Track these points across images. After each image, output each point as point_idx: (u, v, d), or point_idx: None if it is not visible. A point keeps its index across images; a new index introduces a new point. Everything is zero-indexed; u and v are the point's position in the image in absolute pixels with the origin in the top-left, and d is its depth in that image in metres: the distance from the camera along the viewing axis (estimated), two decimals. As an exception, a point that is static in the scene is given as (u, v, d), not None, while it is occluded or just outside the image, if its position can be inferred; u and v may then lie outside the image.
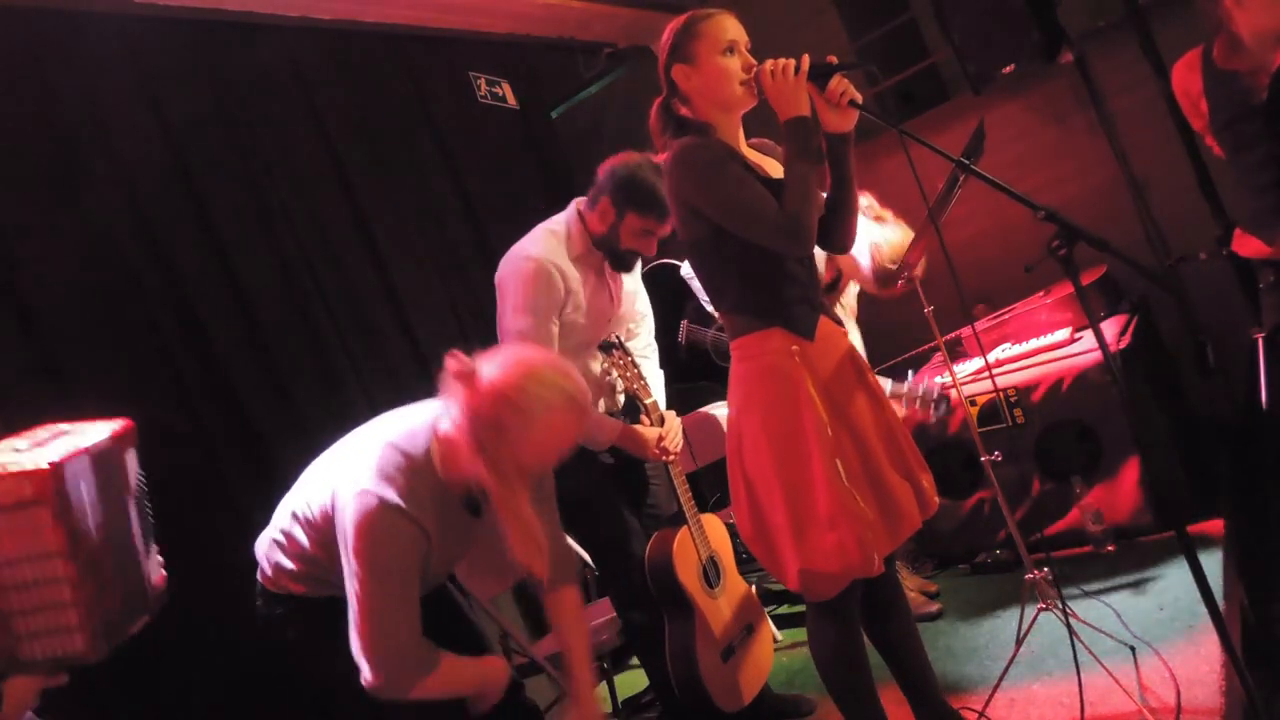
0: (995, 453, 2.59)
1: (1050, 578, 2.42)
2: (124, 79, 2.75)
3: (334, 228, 3.23)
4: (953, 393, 2.76)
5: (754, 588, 2.74)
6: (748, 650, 2.60)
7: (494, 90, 4.13)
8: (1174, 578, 2.64)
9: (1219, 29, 2.39)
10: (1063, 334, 3.26)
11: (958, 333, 3.44)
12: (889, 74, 4.28)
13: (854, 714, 2.04)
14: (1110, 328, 3.19)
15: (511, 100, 4.20)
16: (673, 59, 1.95)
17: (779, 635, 3.27)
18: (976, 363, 3.36)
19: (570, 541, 3.03)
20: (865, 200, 2.97)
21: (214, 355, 2.71)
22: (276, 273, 2.98)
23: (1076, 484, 3.05)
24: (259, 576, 1.95)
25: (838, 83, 1.85)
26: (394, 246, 3.38)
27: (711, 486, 3.98)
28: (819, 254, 3.10)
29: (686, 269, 3.07)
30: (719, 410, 3.51)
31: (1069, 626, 2.23)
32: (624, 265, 2.57)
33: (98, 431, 1.43)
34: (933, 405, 2.72)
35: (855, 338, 2.94)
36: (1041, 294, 3.52)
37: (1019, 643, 2.41)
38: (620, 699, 3.10)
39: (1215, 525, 2.82)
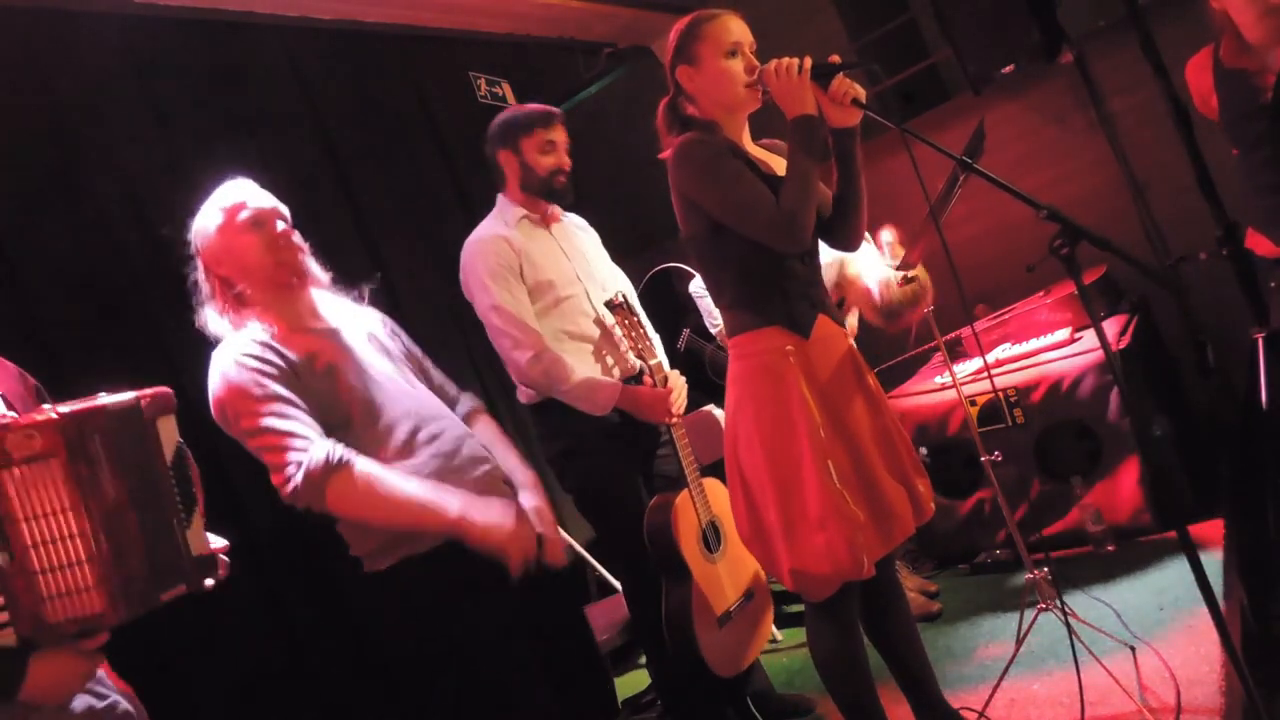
0: (995, 453, 2.59)
1: (1050, 578, 2.42)
2: (124, 79, 2.75)
3: (334, 227, 3.24)
4: (953, 392, 2.76)
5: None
6: (747, 617, 2.58)
7: (494, 90, 4.13)
8: (1174, 578, 2.64)
9: (1225, 27, 2.39)
10: (1063, 334, 3.26)
11: (958, 333, 3.44)
12: (889, 74, 4.28)
13: (854, 715, 2.04)
14: (1110, 328, 3.19)
15: (511, 100, 4.20)
16: (677, 60, 1.96)
17: (779, 635, 3.27)
18: (976, 363, 3.36)
19: (563, 534, 3.05)
20: (889, 235, 2.97)
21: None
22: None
23: (1076, 484, 3.05)
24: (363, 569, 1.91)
25: (840, 82, 1.85)
26: (394, 246, 3.38)
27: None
28: (827, 267, 3.12)
29: (696, 285, 3.07)
30: (720, 410, 3.51)
31: (1069, 626, 2.23)
32: (560, 195, 2.63)
33: (125, 395, 1.43)
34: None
35: None
36: (1041, 294, 3.52)
37: (1019, 643, 2.41)
38: (620, 699, 3.10)
39: (1215, 525, 2.82)
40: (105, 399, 1.38)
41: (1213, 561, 2.61)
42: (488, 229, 2.60)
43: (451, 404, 2.07)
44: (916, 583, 3.19)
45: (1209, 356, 3.53)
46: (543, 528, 1.99)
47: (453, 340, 3.48)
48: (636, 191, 4.71)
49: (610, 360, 2.59)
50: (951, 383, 2.68)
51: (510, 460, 2.05)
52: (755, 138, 2.08)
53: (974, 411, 3.18)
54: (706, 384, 3.45)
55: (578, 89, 4.92)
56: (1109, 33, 3.65)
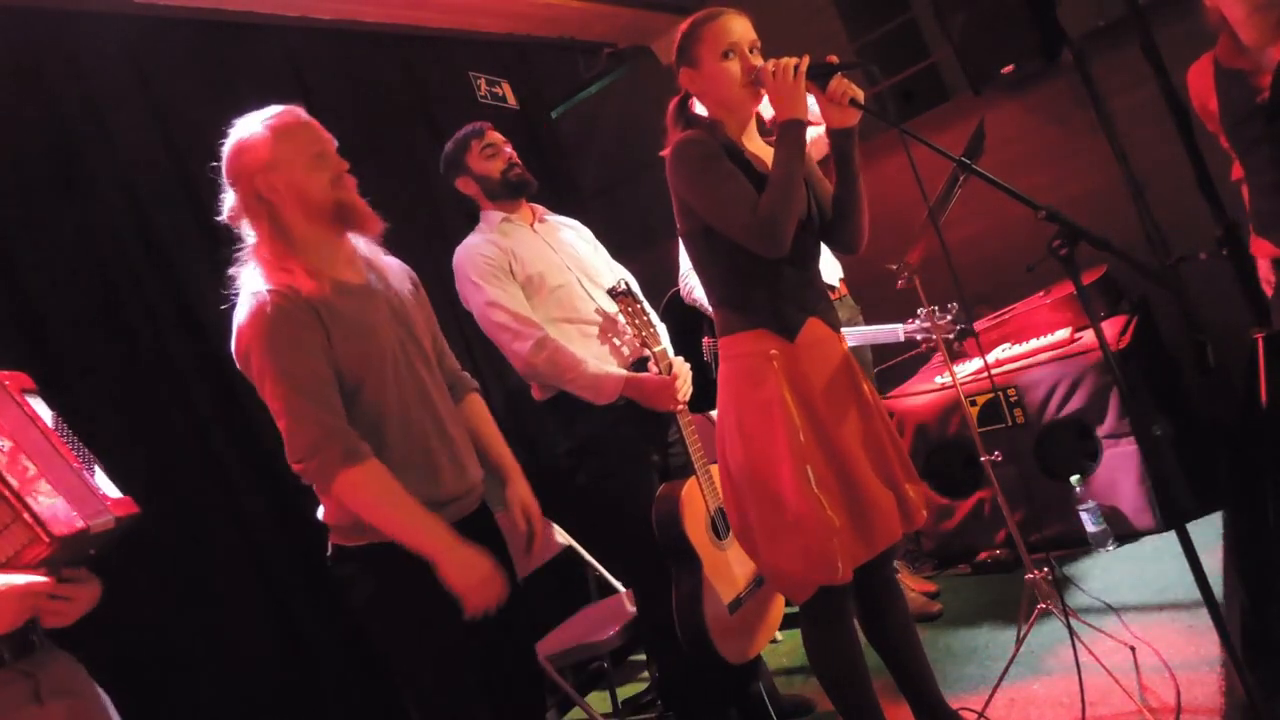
0: (995, 453, 2.59)
1: (1050, 578, 2.42)
2: (124, 79, 2.75)
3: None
4: (953, 392, 2.76)
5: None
6: (757, 603, 2.57)
7: (494, 90, 4.13)
8: (1174, 578, 2.64)
9: (1220, 28, 2.39)
10: (1063, 334, 3.26)
11: (958, 333, 3.44)
12: (889, 74, 4.28)
13: (852, 718, 2.04)
14: (1110, 328, 3.19)
15: (511, 100, 4.20)
16: (679, 62, 1.98)
17: (779, 635, 3.27)
18: (976, 363, 3.36)
19: (558, 531, 3.04)
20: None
21: (214, 354, 2.71)
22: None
23: (1076, 484, 3.06)
24: (329, 539, 1.87)
25: (838, 83, 1.85)
26: (394, 246, 3.37)
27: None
28: (830, 259, 3.13)
29: (687, 290, 3.07)
30: None
31: (1069, 626, 2.23)
32: (523, 186, 2.70)
33: None
34: (951, 330, 2.72)
35: None
36: (1041, 294, 3.52)
37: (1019, 643, 2.41)
38: (620, 699, 3.10)
39: (1215, 525, 2.82)
40: None
41: (1213, 561, 2.60)
42: (472, 237, 2.68)
43: (452, 380, 2.05)
44: (916, 583, 3.18)
45: (1209, 356, 3.54)
46: (531, 521, 2.02)
47: (453, 341, 3.47)
48: (636, 191, 4.72)
49: (617, 342, 2.62)
50: (951, 383, 2.67)
51: (496, 447, 2.06)
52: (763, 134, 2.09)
53: (974, 411, 3.18)
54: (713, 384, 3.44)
55: (578, 89, 4.93)
56: (1109, 33, 3.65)
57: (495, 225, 2.67)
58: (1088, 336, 3.18)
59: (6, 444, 1.45)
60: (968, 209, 3.74)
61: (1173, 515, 2.96)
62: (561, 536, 3.06)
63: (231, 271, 1.80)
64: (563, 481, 2.64)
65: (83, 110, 2.64)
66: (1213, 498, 2.96)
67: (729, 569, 2.51)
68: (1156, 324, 3.58)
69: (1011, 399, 3.17)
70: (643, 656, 3.45)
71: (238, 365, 1.75)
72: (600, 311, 2.61)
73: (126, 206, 2.67)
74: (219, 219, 1.84)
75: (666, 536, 2.45)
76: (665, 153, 1.95)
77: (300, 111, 1.86)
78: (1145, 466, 2.93)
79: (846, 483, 1.92)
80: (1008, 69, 3.53)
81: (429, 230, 3.55)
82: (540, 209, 2.79)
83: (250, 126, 1.81)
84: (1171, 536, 1.94)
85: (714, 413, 3.52)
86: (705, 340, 3.10)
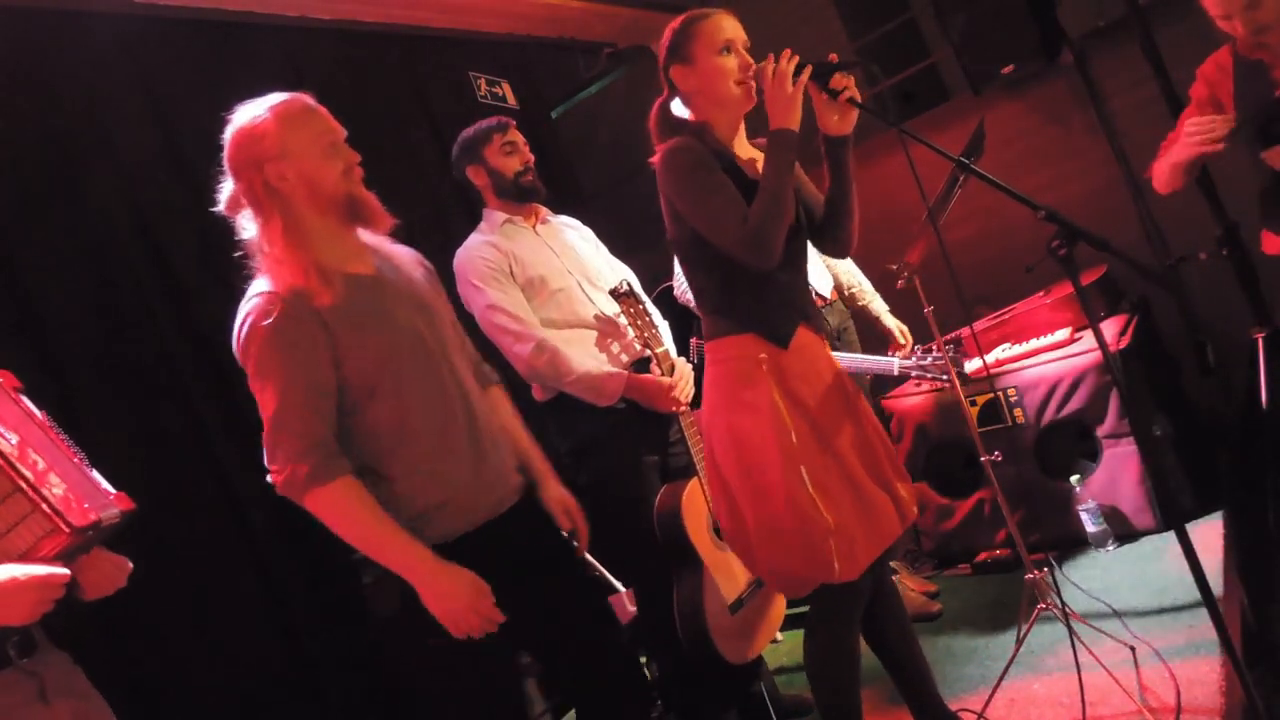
0: (995, 453, 2.59)
1: (1050, 578, 2.42)
2: (124, 79, 2.75)
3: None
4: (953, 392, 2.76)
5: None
6: (758, 603, 2.57)
7: (494, 90, 4.12)
8: (1174, 578, 2.64)
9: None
10: (1063, 334, 3.26)
11: (958, 333, 3.44)
12: (889, 74, 4.28)
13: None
14: (1110, 328, 3.19)
15: (511, 100, 4.20)
16: (671, 59, 1.96)
17: (780, 636, 3.26)
18: (976, 363, 3.36)
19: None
20: None
21: (214, 353, 2.71)
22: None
23: (1076, 484, 3.05)
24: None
25: (839, 79, 1.84)
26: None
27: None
28: (820, 269, 3.13)
29: (680, 290, 3.07)
30: None
31: (1069, 626, 2.23)
32: (531, 191, 2.69)
33: None
34: (946, 371, 2.73)
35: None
36: (1041, 294, 3.52)
37: (1019, 643, 2.41)
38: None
39: (1215, 525, 2.82)
40: None
41: (1213, 561, 2.60)
42: (474, 238, 2.68)
43: (474, 369, 1.98)
44: (917, 583, 3.18)
45: (1209, 356, 3.54)
46: (575, 519, 1.97)
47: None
48: (636, 191, 4.72)
49: (616, 348, 2.61)
50: (952, 382, 2.68)
51: (523, 444, 1.99)
52: (750, 137, 2.08)
53: (974, 411, 3.18)
54: None
55: (578, 89, 4.92)
56: (1109, 33, 3.65)
57: (497, 226, 2.67)
58: (1088, 336, 3.18)
59: (14, 437, 1.46)
60: (968, 209, 3.74)
61: (1173, 515, 2.96)
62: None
63: (240, 259, 1.73)
64: (564, 482, 2.64)
65: (83, 110, 2.63)
66: (1213, 498, 2.96)
67: (730, 569, 2.51)
68: (1156, 324, 3.58)
69: (1011, 399, 3.17)
70: (643, 657, 3.45)
71: (238, 361, 1.71)
72: (600, 315, 2.61)
73: (126, 206, 2.67)
74: (216, 210, 1.77)
75: (668, 537, 2.45)
76: (655, 160, 1.94)
77: (309, 99, 1.79)
78: (1145, 466, 2.93)
79: (844, 483, 1.91)
80: (1008, 69, 3.53)
81: (429, 230, 3.55)
82: (543, 210, 2.79)
83: (256, 113, 1.73)
84: (1171, 536, 1.94)
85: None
86: (694, 340, 3.10)
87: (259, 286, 1.67)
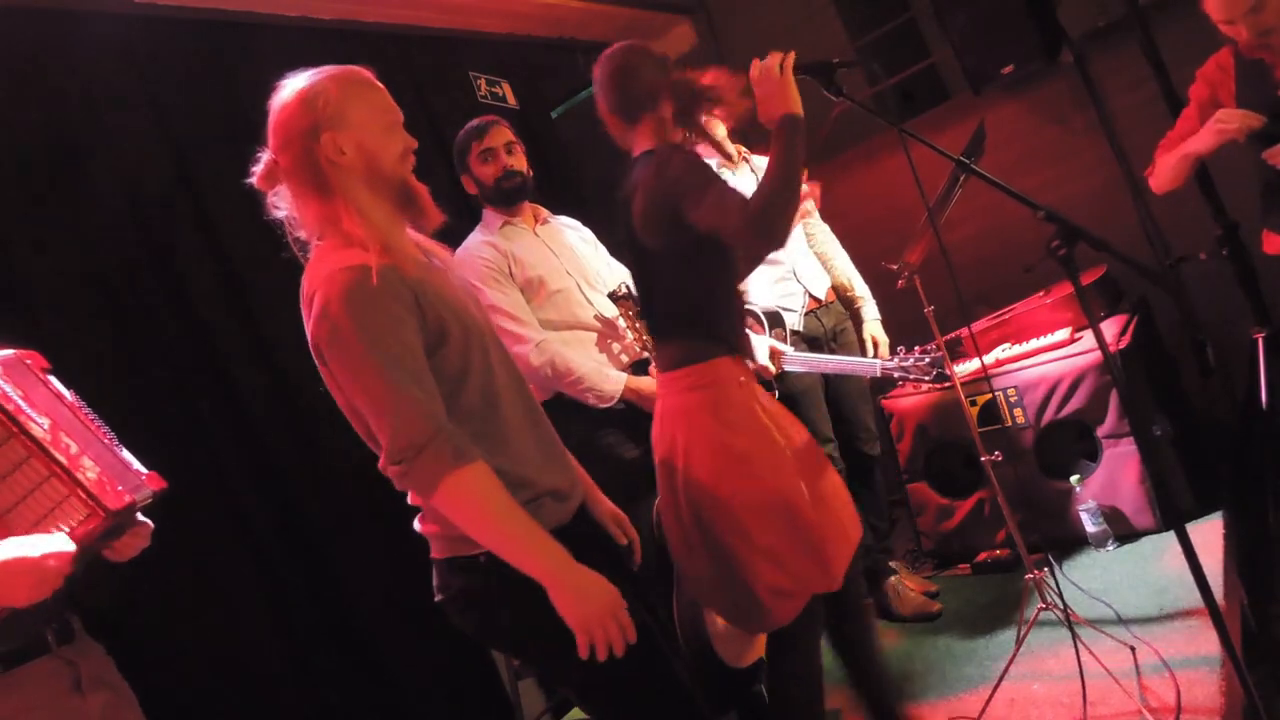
0: (995, 453, 2.59)
1: (1050, 578, 2.42)
2: (124, 79, 2.75)
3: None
4: (953, 392, 2.75)
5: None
6: None
7: (494, 90, 4.12)
8: (1174, 578, 2.63)
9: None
10: (1063, 334, 3.26)
11: (958, 333, 3.44)
12: (889, 74, 4.28)
13: None
14: (1110, 328, 3.19)
15: (511, 100, 4.20)
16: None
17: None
18: (976, 363, 3.36)
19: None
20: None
21: (214, 352, 2.71)
22: (276, 271, 2.97)
23: (1076, 484, 3.05)
24: (431, 554, 1.60)
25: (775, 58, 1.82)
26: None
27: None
28: (816, 269, 3.14)
29: None
30: None
31: (1069, 626, 2.23)
32: (513, 195, 2.71)
33: (5, 351, 1.55)
34: (928, 373, 2.72)
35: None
36: (1041, 294, 3.52)
37: (1019, 643, 2.41)
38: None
39: (1215, 525, 2.82)
40: None
41: (1213, 561, 2.60)
42: (473, 238, 2.69)
43: None
44: (917, 583, 3.18)
45: (1209, 356, 3.54)
46: (628, 532, 1.86)
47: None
48: (636, 191, 4.72)
49: (616, 349, 2.62)
50: (952, 383, 2.68)
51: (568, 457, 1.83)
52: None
53: (974, 411, 3.18)
54: None
55: (578, 89, 4.92)
56: (1109, 33, 3.65)
57: (495, 228, 2.69)
58: (1088, 336, 3.18)
59: (45, 421, 1.45)
60: (968, 209, 3.74)
61: (1173, 515, 2.96)
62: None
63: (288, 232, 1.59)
64: None
65: (83, 110, 2.63)
66: (1213, 498, 2.96)
67: None
68: (1156, 324, 3.58)
69: (1011, 399, 3.17)
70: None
71: (315, 354, 1.51)
72: (600, 317, 2.61)
73: (126, 206, 2.67)
74: (249, 180, 1.58)
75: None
76: (643, 174, 1.90)
77: (370, 73, 1.62)
78: (1145, 466, 2.93)
79: (819, 495, 1.93)
80: (1008, 69, 3.53)
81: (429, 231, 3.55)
82: (543, 211, 2.80)
83: (313, 78, 1.54)
84: (1171, 536, 1.94)
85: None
86: None
87: (341, 260, 1.46)
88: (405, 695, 2.77)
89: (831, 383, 3.10)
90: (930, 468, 3.43)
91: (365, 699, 2.73)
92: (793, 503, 1.85)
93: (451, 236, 1.83)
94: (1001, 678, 2.37)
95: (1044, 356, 3.18)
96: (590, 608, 1.45)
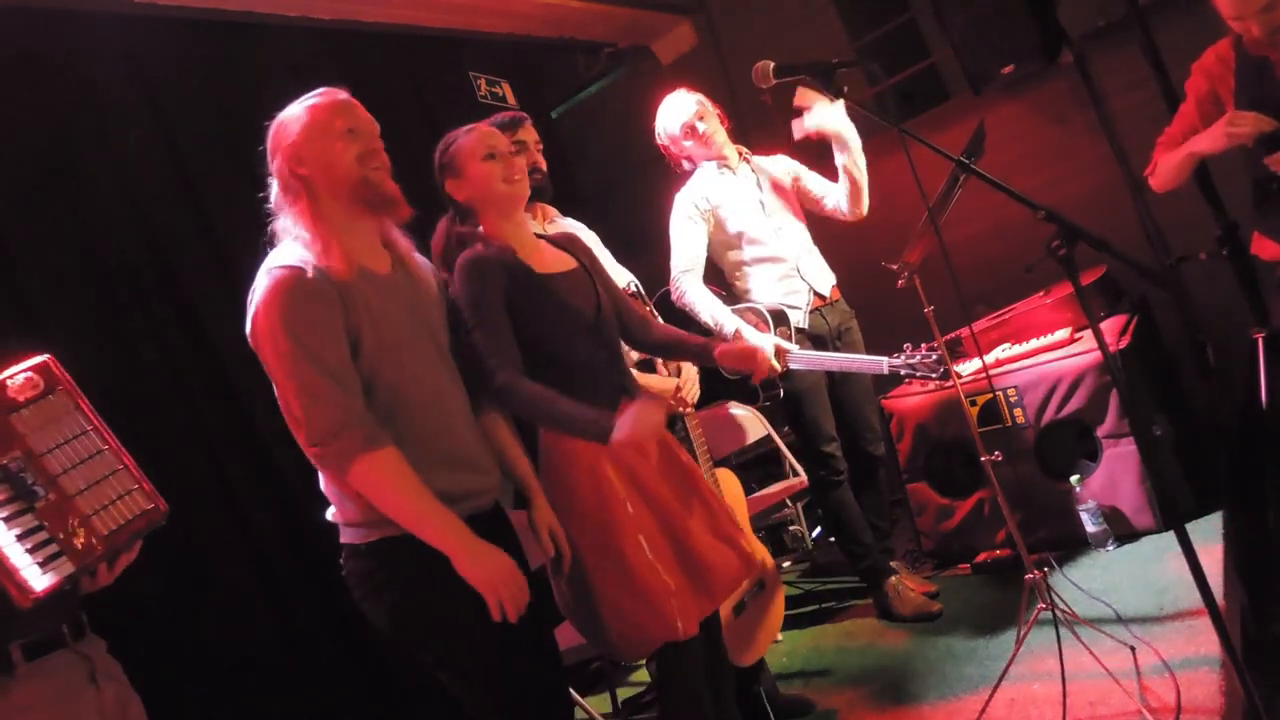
0: (995, 453, 2.59)
1: (1050, 578, 2.41)
2: (124, 79, 2.75)
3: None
4: (952, 392, 2.75)
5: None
6: (760, 605, 2.58)
7: (494, 90, 4.13)
8: (1174, 578, 2.63)
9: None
10: (1063, 334, 3.26)
11: (958, 333, 3.44)
12: (889, 74, 4.28)
13: None
14: (1110, 328, 3.19)
15: (511, 100, 4.20)
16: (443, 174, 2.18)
17: (779, 637, 3.26)
18: (976, 363, 3.36)
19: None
20: None
21: (213, 352, 2.71)
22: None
23: (1076, 484, 3.05)
24: (340, 538, 1.78)
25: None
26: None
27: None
28: (821, 265, 3.13)
29: (678, 294, 3.07)
30: (736, 409, 3.66)
31: (1069, 626, 2.23)
32: (532, 194, 2.66)
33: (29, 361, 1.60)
34: (935, 369, 2.72)
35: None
36: (1041, 294, 3.52)
37: (1019, 643, 2.41)
38: (620, 699, 3.10)
39: (1215, 525, 2.82)
40: (13, 369, 1.55)
41: (1213, 561, 2.60)
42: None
43: (470, 387, 1.98)
44: (916, 582, 3.18)
45: (1209, 356, 3.54)
46: (559, 544, 1.95)
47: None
48: (635, 191, 4.72)
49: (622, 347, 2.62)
50: (951, 383, 2.67)
51: (521, 466, 1.99)
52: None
53: (974, 411, 3.18)
54: (720, 380, 3.45)
55: (578, 89, 4.92)
56: (1109, 33, 3.65)
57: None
58: (1088, 336, 3.18)
59: (91, 425, 1.55)
60: (968, 209, 3.74)
61: (1173, 515, 2.95)
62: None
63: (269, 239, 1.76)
64: None
65: (83, 110, 2.64)
66: (1213, 498, 2.96)
67: None
68: (1156, 324, 3.58)
69: (1011, 399, 3.17)
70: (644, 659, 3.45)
71: (250, 342, 1.69)
72: None
73: (126, 206, 2.67)
74: (267, 206, 1.79)
75: None
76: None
77: (341, 91, 1.86)
78: (1145, 466, 2.93)
79: (679, 546, 1.97)
80: (1008, 69, 3.53)
81: (429, 231, 3.55)
82: (551, 210, 2.77)
83: (292, 107, 1.82)
84: (1171, 536, 1.94)
85: (728, 405, 3.56)
86: None
87: (278, 259, 1.68)
88: (405, 695, 2.78)
89: (836, 382, 3.10)
90: (930, 468, 3.43)
91: (365, 699, 2.73)
92: (622, 559, 1.91)
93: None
94: (1001, 678, 2.37)
95: (1044, 356, 3.18)
96: (490, 569, 1.67)
